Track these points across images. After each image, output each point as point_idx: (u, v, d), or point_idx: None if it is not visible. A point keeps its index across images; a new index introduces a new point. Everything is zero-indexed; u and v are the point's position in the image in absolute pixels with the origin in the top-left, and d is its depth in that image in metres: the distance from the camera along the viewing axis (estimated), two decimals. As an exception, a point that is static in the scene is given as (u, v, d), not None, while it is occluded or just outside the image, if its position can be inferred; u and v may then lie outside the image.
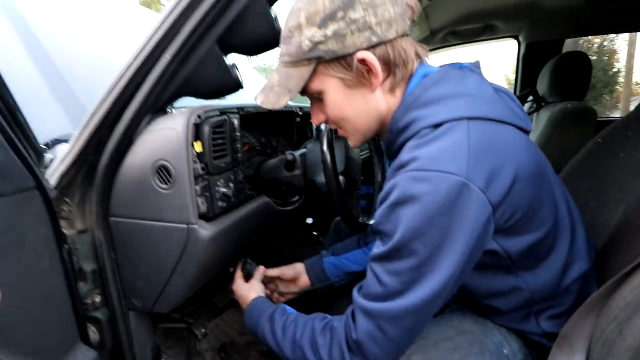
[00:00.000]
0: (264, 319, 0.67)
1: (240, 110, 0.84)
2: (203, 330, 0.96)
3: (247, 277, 0.86)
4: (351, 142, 0.62)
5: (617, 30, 1.86)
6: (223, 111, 0.75)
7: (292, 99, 0.55)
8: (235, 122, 0.78)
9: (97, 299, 0.77)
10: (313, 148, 0.91)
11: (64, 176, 0.69)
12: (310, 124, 1.31)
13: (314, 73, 0.54)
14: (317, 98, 0.58)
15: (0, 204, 0.52)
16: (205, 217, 0.70)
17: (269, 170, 0.96)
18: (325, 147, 0.76)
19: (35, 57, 1.01)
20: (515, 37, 1.94)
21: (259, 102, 0.57)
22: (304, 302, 0.88)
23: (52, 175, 0.70)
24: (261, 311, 0.70)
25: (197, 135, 0.68)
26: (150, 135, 0.68)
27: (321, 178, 0.85)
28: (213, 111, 0.72)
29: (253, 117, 0.95)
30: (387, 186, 0.50)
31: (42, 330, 0.61)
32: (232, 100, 0.85)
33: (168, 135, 0.65)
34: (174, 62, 0.63)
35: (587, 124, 1.44)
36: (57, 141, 0.82)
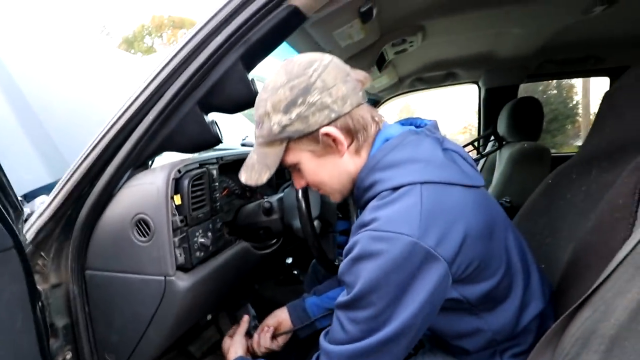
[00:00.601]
0: None
1: (220, 159, 0.88)
2: (180, 383, 0.93)
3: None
4: (333, 199, 0.69)
5: (563, 77, 2.09)
6: (203, 163, 0.79)
7: (271, 174, 0.61)
8: (214, 172, 0.82)
9: (68, 355, 0.75)
10: (290, 193, 0.95)
11: (40, 230, 0.70)
12: (288, 166, 1.36)
13: (287, 149, 0.61)
14: (295, 168, 0.64)
15: (-23, 265, 0.53)
16: (183, 268, 0.71)
17: (247, 215, 0.99)
18: (300, 195, 0.81)
19: (14, 104, 1.03)
20: (476, 83, 2.13)
21: (242, 180, 0.63)
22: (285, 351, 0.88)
23: (29, 230, 0.70)
24: None
25: (177, 189, 0.71)
26: (130, 190, 0.71)
27: (298, 223, 0.88)
28: (193, 164, 0.76)
29: (232, 163, 0.99)
30: (351, 241, 0.55)
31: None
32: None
33: (148, 189, 0.69)
34: (157, 121, 0.67)
35: (543, 161, 1.57)
36: (33, 193, 0.83)
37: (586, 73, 2.02)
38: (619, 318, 0.51)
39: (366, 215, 0.56)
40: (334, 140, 0.59)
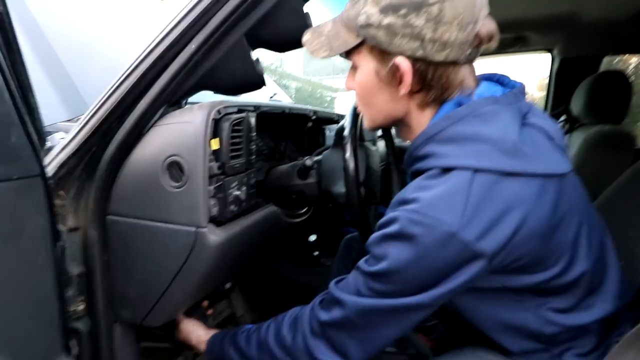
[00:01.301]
0: (227, 344, 0.79)
1: (257, 108, 0.89)
2: (194, 351, 0.99)
3: None
4: (365, 123, 0.71)
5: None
6: (241, 108, 0.81)
7: (331, 55, 0.63)
8: (252, 121, 0.84)
9: (81, 307, 0.80)
10: (330, 155, 0.96)
11: (62, 165, 0.74)
12: (323, 130, 1.37)
13: (357, 47, 0.62)
14: (354, 67, 0.66)
15: (6, 187, 0.56)
16: (216, 220, 0.74)
17: (279, 177, 1.01)
18: (348, 155, 0.82)
19: (31, 37, 1.06)
20: (550, 51, 2.05)
21: (304, 40, 0.67)
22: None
23: (50, 164, 0.74)
24: (222, 339, 0.81)
25: (215, 132, 0.73)
26: (163, 129, 0.73)
27: (339, 188, 0.90)
28: (232, 107, 0.78)
29: (264, 119, 1.01)
30: (388, 216, 0.58)
31: (28, 336, 0.63)
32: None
33: (185, 129, 0.71)
34: (199, 52, 0.69)
35: (625, 149, 1.52)
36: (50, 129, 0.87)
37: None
38: None
39: (409, 192, 0.58)
40: (401, 76, 0.59)
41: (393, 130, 1.30)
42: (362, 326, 0.61)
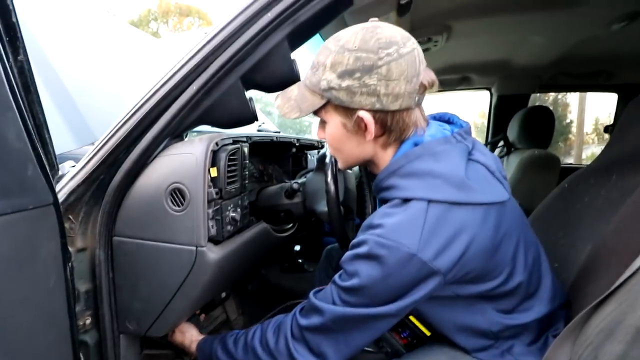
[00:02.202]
0: (216, 344, 0.75)
1: (249, 139, 0.88)
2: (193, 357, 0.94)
3: None
4: (340, 165, 0.72)
5: (573, 90, 2.12)
6: (236, 140, 0.80)
7: (301, 116, 0.63)
8: (246, 150, 0.83)
9: (88, 321, 0.75)
10: (314, 179, 0.96)
11: (72, 192, 0.70)
12: (306, 154, 1.37)
13: (323, 106, 0.62)
14: (323, 121, 0.66)
15: (22, 217, 0.52)
16: (214, 240, 0.72)
17: (269, 197, 1.00)
18: (329, 179, 0.81)
19: (41, 70, 1.02)
20: (488, 89, 2.16)
21: (276, 105, 0.66)
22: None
23: (60, 191, 0.70)
24: (212, 340, 0.77)
25: (213, 162, 0.71)
26: (167, 159, 0.71)
27: (321, 207, 0.89)
28: (228, 139, 0.76)
29: (254, 146, 0.99)
30: (358, 237, 0.60)
31: (41, 351, 0.59)
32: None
33: (186, 159, 0.69)
34: (200, 92, 0.67)
35: (552, 169, 1.60)
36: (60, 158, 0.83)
37: (596, 88, 2.05)
38: (646, 314, 0.53)
39: (376, 218, 0.59)
40: (365, 126, 0.60)
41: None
42: (337, 331, 0.61)
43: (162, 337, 0.84)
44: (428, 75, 0.59)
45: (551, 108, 1.80)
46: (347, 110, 0.60)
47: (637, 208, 0.69)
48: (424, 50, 1.44)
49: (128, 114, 0.70)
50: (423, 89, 0.59)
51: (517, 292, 0.64)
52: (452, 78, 1.98)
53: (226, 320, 1.34)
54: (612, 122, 2.23)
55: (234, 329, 1.39)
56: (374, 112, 0.58)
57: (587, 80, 1.87)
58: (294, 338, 0.65)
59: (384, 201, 0.63)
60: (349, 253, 0.60)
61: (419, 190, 0.58)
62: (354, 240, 0.61)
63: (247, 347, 0.70)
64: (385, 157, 0.65)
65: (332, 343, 0.62)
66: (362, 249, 0.57)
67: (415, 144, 0.62)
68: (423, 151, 0.60)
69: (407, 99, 0.58)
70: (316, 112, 0.64)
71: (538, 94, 2.56)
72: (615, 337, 0.55)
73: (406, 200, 0.58)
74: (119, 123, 0.70)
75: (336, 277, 0.62)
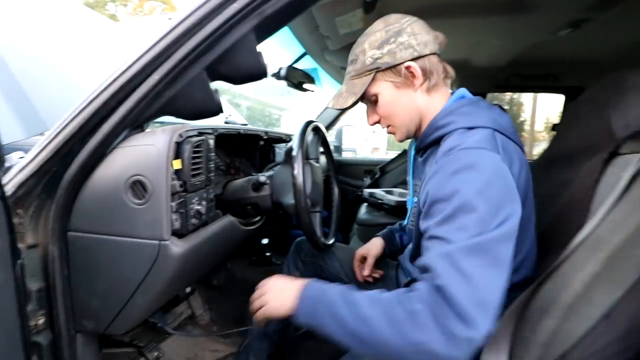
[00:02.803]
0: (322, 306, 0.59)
1: (215, 131, 0.87)
2: (156, 353, 0.92)
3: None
4: (397, 137, 0.76)
5: (525, 90, 2.27)
6: (201, 131, 0.78)
7: (356, 100, 0.71)
8: (211, 142, 0.81)
9: (41, 321, 0.71)
10: (281, 172, 0.96)
11: (21, 185, 0.66)
12: (273, 148, 1.37)
13: (372, 80, 0.71)
14: (373, 101, 0.73)
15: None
16: (178, 233, 0.70)
17: (235, 190, 0.99)
18: (296, 171, 0.82)
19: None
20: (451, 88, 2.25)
21: (330, 106, 0.73)
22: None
23: (8, 184, 0.65)
24: (322, 296, 0.60)
25: (177, 154, 0.70)
26: (126, 150, 0.68)
27: (288, 200, 0.90)
28: (192, 131, 0.75)
29: (221, 138, 0.98)
30: (440, 163, 0.61)
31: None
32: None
33: (148, 151, 0.67)
34: (162, 82, 0.65)
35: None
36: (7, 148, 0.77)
37: (545, 89, 2.21)
38: (576, 289, 0.60)
39: (449, 142, 0.63)
40: (413, 74, 0.69)
41: (332, 147, 1.34)
42: (468, 276, 0.50)
43: (123, 335, 0.82)
44: (437, 34, 0.73)
45: (507, 107, 1.91)
46: (395, 68, 0.70)
47: (572, 200, 0.76)
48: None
49: (84, 102, 0.66)
50: (440, 37, 0.73)
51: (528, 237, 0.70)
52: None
53: (191, 316, 1.32)
54: (559, 121, 2.42)
55: (199, 324, 1.37)
56: (414, 60, 0.69)
57: (537, 82, 2.01)
58: (436, 303, 0.51)
59: (434, 144, 0.70)
60: (437, 181, 0.58)
61: (483, 121, 0.64)
62: (432, 170, 0.62)
63: (375, 298, 0.56)
64: (434, 106, 0.72)
65: (471, 284, 0.50)
66: (453, 166, 0.57)
67: (462, 97, 0.73)
68: (473, 101, 0.71)
69: (432, 44, 0.70)
70: (366, 94, 0.72)
71: (495, 94, 2.71)
72: (550, 313, 0.62)
73: (471, 128, 0.64)
74: (74, 112, 0.67)
75: (428, 222, 0.57)
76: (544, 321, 0.62)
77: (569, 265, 0.63)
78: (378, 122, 0.76)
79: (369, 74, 0.71)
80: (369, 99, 0.74)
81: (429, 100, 0.72)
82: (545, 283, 0.65)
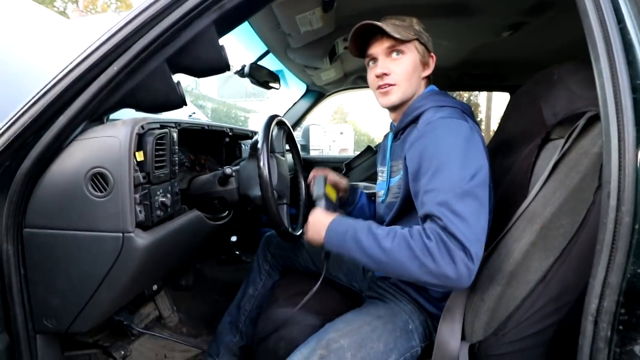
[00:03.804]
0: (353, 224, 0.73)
1: (178, 125, 0.86)
2: (123, 352, 0.89)
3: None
4: (394, 96, 0.83)
5: (475, 89, 2.43)
6: (163, 124, 0.78)
7: (408, 41, 0.81)
8: (175, 135, 0.81)
9: (-5, 323, 0.67)
10: (247, 165, 0.97)
11: (-32, 182, 0.62)
12: (239, 144, 1.37)
13: (409, 41, 0.81)
14: (395, 51, 0.81)
15: None
16: (143, 225, 0.70)
17: (201, 185, 0.99)
18: (262, 163, 0.84)
19: None
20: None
21: (389, 30, 0.78)
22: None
23: (-48, 181, 0.62)
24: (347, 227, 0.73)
25: (139, 146, 0.69)
26: (85, 142, 0.67)
27: (255, 192, 0.92)
28: (154, 123, 0.74)
29: (185, 134, 0.97)
30: (422, 131, 0.74)
31: None
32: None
33: (109, 143, 0.66)
34: (121, 73, 0.65)
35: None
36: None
37: (492, 88, 2.39)
38: (516, 257, 0.67)
39: (425, 118, 0.76)
40: (429, 64, 0.86)
41: (299, 145, 1.36)
42: (463, 217, 0.63)
43: (87, 336, 0.79)
44: None
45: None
46: (424, 50, 0.84)
47: (513, 181, 0.85)
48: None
49: (37, 94, 0.64)
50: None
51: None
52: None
53: (159, 317, 1.29)
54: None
55: (167, 326, 1.34)
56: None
57: (485, 82, 2.17)
58: (443, 240, 0.63)
59: (414, 120, 0.80)
60: (420, 143, 0.73)
61: (451, 103, 0.79)
62: (414, 134, 0.75)
63: (394, 231, 0.68)
64: (420, 91, 0.86)
65: (467, 224, 0.63)
66: (433, 132, 0.71)
67: (432, 90, 0.87)
68: (442, 92, 0.87)
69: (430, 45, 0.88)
70: (399, 42, 0.80)
71: (453, 94, 2.87)
72: (496, 281, 0.69)
73: (441, 107, 0.76)
74: (26, 104, 0.64)
75: (424, 180, 0.69)
76: (491, 289, 0.69)
77: (510, 237, 0.70)
78: (386, 74, 0.82)
79: (413, 35, 0.81)
80: (397, 49, 0.81)
81: (421, 87, 0.86)
82: (492, 255, 0.73)
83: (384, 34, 0.80)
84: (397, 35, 0.78)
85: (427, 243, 0.63)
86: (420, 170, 0.72)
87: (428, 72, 0.86)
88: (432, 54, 0.87)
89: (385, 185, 0.90)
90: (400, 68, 0.81)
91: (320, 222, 0.77)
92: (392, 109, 0.87)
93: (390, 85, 0.82)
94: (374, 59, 0.84)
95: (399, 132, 0.86)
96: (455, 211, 0.64)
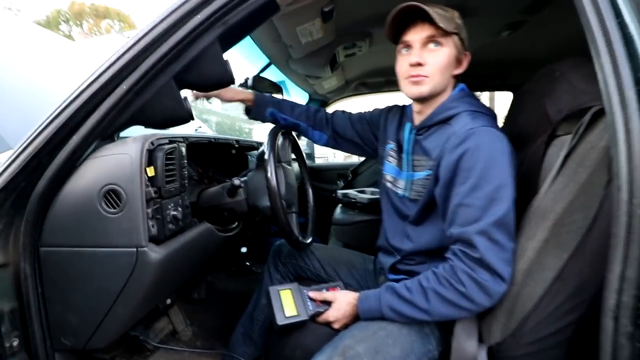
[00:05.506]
0: (383, 293, 0.77)
1: (186, 139, 0.88)
2: (139, 367, 0.90)
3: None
4: (426, 87, 0.80)
5: (478, 89, 2.43)
6: (172, 140, 0.80)
7: (441, 30, 0.76)
8: (183, 150, 0.83)
9: (15, 342, 0.69)
10: (255, 175, 0.99)
11: (-13, 204, 0.64)
12: (246, 155, 1.38)
13: (450, 35, 0.78)
14: (433, 42, 0.78)
15: None
16: (155, 239, 0.71)
17: (211, 197, 1.00)
18: (270, 174, 0.85)
19: None
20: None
21: (437, 20, 0.75)
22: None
23: (-28, 204, 0.64)
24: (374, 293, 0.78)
25: (150, 161, 0.71)
26: (98, 161, 0.68)
27: (264, 202, 0.93)
28: (164, 139, 0.76)
29: (192, 148, 0.99)
30: (460, 135, 0.74)
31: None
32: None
33: (120, 160, 0.67)
34: (130, 92, 0.67)
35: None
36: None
37: (495, 87, 2.39)
38: (530, 255, 0.66)
39: (462, 122, 0.76)
40: (461, 63, 0.83)
41: (304, 154, 1.38)
42: (500, 245, 0.67)
43: (104, 352, 0.80)
44: None
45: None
46: (461, 46, 0.81)
47: (522, 179, 0.84)
48: (351, 55, 1.56)
49: (50, 116, 0.66)
50: None
51: None
52: (378, 81, 2.15)
53: (173, 331, 1.29)
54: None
55: (181, 340, 1.34)
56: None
57: (488, 81, 2.17)
58: (475, 271, 0.68)
59: (444, 122, 0.80)
60: (461, 152, 0.72)
61: (482, 109, 0.80)
62: (453, 140, 0.75)
63: (425, 289, 0.71)
64: (449, 91, 0.84)
65: (504, 251, 0.67)
66: (475, 141, 0.71)
67: (462, 89, 0.86)
68: (471, 93, 0.86)
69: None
70: (440, 31, 0.77)
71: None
72: (511, 280, 0.68)
73: (475, 112, 0.78)
74: (40, 127, 0.66)
75: (460, 190, 0.71)
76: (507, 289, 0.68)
77: (522, 235, 0.70)
78: (421, 64, 0.78)
79: (453, 27, 0.78)
80: (436, 40, 0.78)
81: (448, 88, 0.84)
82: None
83: (425, 22, 0.77)
84: (442, 25, 0.74)
85: (461, 289, 0.68)
86: (455, 179, 0.73)
87: (460, 70, 0.84)
88: (467, 52, 0.84)
89: (402, 175, 0.89)
90: (436, 60, 0.78)
91: (343, 309, 0.81)
92: (420, 100, 0.83)
93: (423, 76, 0.79)
94: (409, 47, 0.80)
95: (423, 127, 0.84)
96: (494, 239, 0.67)
